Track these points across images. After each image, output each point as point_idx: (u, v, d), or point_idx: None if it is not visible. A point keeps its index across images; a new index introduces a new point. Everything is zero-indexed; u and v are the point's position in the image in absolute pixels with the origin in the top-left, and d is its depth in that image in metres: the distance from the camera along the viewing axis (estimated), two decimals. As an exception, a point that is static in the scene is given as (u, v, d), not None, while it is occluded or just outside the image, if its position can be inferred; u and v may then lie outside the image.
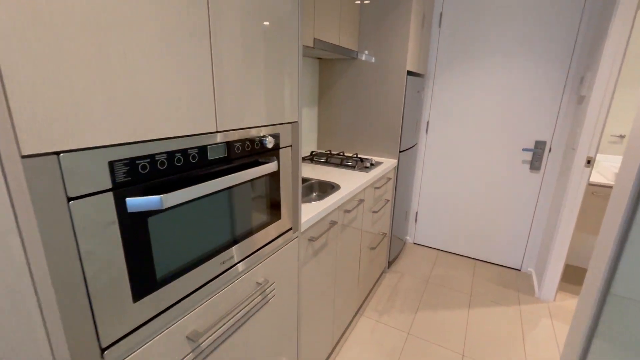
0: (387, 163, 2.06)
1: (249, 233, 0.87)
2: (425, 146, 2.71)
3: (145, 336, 0.62)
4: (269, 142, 0.85)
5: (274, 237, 0.97)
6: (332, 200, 1.33)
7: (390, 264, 2.52)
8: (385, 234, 2.22)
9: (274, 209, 0.95)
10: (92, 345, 0.54)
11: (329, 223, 1.34)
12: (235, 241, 0.82)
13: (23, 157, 0.42)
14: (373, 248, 1.99)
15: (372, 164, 1.99)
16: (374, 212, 1.91)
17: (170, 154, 0.61)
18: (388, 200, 2.13)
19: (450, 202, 2.71)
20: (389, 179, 2.09)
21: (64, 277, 0.48)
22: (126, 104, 0.53)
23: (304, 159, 2.05)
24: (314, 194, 1.66)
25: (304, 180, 1.67)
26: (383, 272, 2.44)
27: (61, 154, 0.46)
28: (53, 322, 0.48)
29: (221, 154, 0.73)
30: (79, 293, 0.51)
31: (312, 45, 1.62)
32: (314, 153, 2.21)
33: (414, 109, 2.34)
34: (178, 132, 0.62)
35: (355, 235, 1.69)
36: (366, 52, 2.11)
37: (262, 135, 0.85)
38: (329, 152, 2.26)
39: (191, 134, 0.65)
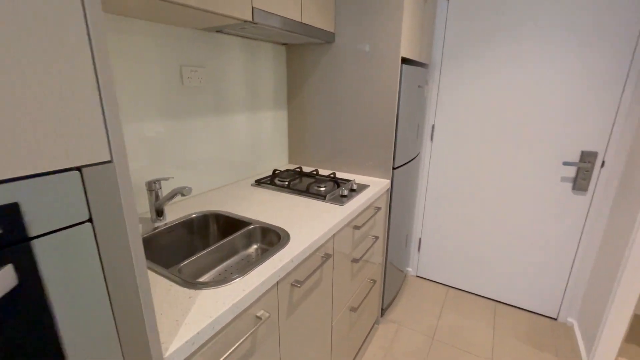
0: (376, 186, 1.48)
1: None
2: (429, 157, 2.11)
3: None
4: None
5: None
6: (264, 274, 0.77)
7: (384, 310, 1.95)
8: (375, 280, 1.64)
9: (35, 354, 0.39)
10: None
11: (254, 318, 0.78)
12: None
13: None
14: (355, 309, 1.42)
15: (352, 190, 1.41)
16: (354, 261, 1.34)
17: None
18: (377, 238, 1.55)
19: (462, 228, 2.11)
20: (378, 209, 1.51)
21: None
22: None
23: (260, 182, 1.49)
24: (248, 251, 1.09)
25: (238, 224, 1.11)
26: (375, 323, 1.87)
27: None
28: None
29: None
30: None
31: (250, 19, 1.05)
32: (276, 172, 1.64)
33: (414, 110, 1.75)
34: None
35: (320, 306, 1.13)
36: (346, 33, 1.53)
37: None
38: (298, 170, 1.70)
39: None
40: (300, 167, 1.72)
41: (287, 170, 1.68)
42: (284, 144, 1.86)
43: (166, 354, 0.56)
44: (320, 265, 1.04)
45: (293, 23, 1.25)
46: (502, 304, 2.10)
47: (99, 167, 0.41)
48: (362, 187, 1.47)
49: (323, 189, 1.42)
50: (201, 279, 0.92)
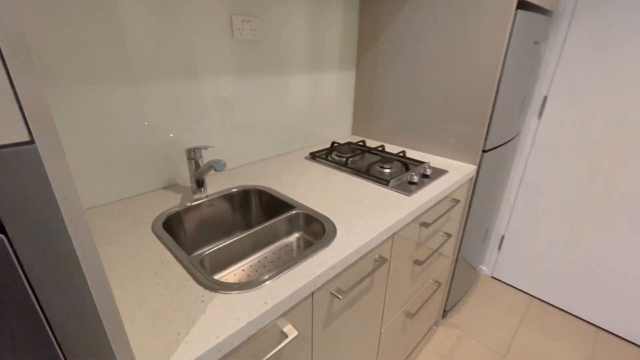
0: (457, 172, 1.18)
1: None
2: (533, 138, 1.65)
3: None
4: None
5: None
6: (295, 283, 0.61)
7: (446, 312, 1.70)
8: (440, 283, 1.39)
9: None
10: None
11: (278, 334, 0.64)
12: None
13: None
14: (412, 314, 1.21)
15: (424, 175, 1.14)
16: (417, 263, 1.11)
17: None
18: (450, 236, 1.27)
19: (562, 232, 1.66)
20: (455, 201, 1.21)
21: None
22: None
23: (315, 155, 1.31)
24: (289, 239, 0.93)
25: (281, 205, 0.96)
26: (434, 324, 1.64)
27: None
28: None
29: None
30: None
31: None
32: (335, 145, 1.43)
33: (524, 75, 1.32)
34: None
35: (367, 314, 0.94)
36: (440, -33, 1.15)
37: None
38: (361, 144, 1.46)
39: None
40: (363, 141, 1.47)
41: (349, 144, 1.46)
42: (348, 112, 1.62)
43: (153, 384, 0.44)
44: (372, 272, 0.84)
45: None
46: (604, 332, 1.65)
47: (20, 147, 0.26)
48: (438, 172, 1.18)
49: (388, 170, 1.17)
50: (226, 272, 0.80)
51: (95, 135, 0.85)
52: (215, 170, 0.83)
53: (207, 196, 0.99)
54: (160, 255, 0.70)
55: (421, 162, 1.24)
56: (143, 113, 0.93)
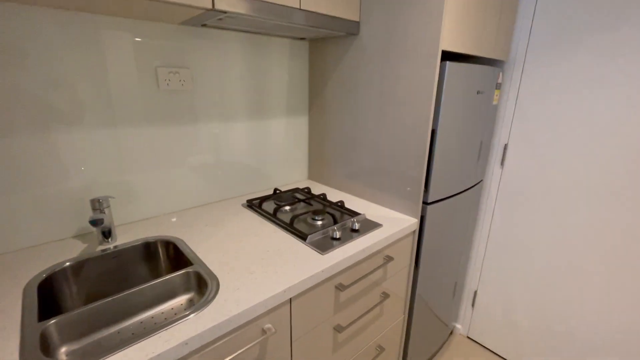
0: (393, 226, 1.10)
1: None
2: (497, 187, 1.56)
3: None
4: None
5: None
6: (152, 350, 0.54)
7: (407, 378, 1.52)
8: (383, 348, 1.25)
9: None
10: None
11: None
12: None
13: None
14: (339, 384, 1.08)
15: (353, 230, 1.07)
16: (338, 329, 1.00)
17: None
18: (387, 296, 1.16)
19: (541, 288, 1.50)
20: (389, 259, 1.12)
21: None
22: None
23: (251, 203, 1.27)
24: (176, 301, 0.86)
25: (182, 260, 0.90)
26: (390, 392, 1.47)
27: None
28: None
29: None
30: None
31: (210, 6, 0.82)
32: (277, 192, 1.39)
33: (472, 123, 1.26)
34: None
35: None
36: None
37: None
38: (306, 191, 1.41)
39: None
40: (308, 188, 1.43)
41: (291, 191, 1.42)
42: (303, 157, 1.59)
43: None
44: (255, 345, 0.75)
45: (282, 10, 0.97)
46: (593, 413, 1.42)
47: None
48: (371, 226, 1.10)
49: (319, 222, 1.11)
50: (75, 344, 0.73)
51: (6, 181, 0.85)
52: (94, 226, 0.80)
53: (115, 247, 0.95)
54: (7, 323, 0.65)
55: (356, 214, 1.18)
56: (62, 161, 0.93)
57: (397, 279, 1.21)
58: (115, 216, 1.07)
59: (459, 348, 1.74)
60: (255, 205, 1.25)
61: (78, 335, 0.71)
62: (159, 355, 0.59)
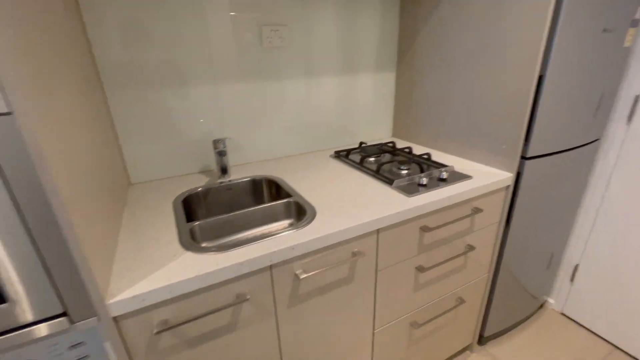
0: (483, 179, 1.07)
1: None
2: (619, 147, 1.34)
3: None
4: None
5: (-12, 334, 0.52)
6: (248, 255, 0.70)
7: (485, 337, 1.51)
8: (464, 301, 1.26)
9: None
10: None
11: (234, 295, 0.73)
12: None
13: None
14: (418, 324, 1.14)
15: (440, 179, 1.07)
16: (421, 269, 1.05)
17: None
18: (472, 248, 1.15)
19: (663, 271, 1.29)
20: (477, 210, 1.09)
21: None
22: None
23: (339, 154, 1.36)
24: (279, 223, 1.01)
25: (282, 193, 1.05)
26: (468, 349, 1.48)
27: None
28: None
29: None
30: None
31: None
32: (362, 145, 1.45)
33: (591, 69, 1.10)
34: None
35: (350, 308, 0.95)
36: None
37: None
38: (390, 144, 1.44)
39: None
40: (393, 142, 1.45)
41: (376, 145, 1.46)
42: (387, 114, 1.61)
43: (110, 301, 0.60)
44: (344, 263, 0.86)
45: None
46: None
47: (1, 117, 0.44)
48: (459, 177, 1.09)
49: (404, 172, 1.14)
50: (219, 241, 0.93)
51: (152, 127, 1.11)
52: (220, 155, 0.98)
53: (229, 180, 1.16)
54: (167, 222, 0.88)
55: (443, 166, 1.17)
56: (191, 111, 1.15)
57: (485, 234, 1.18)
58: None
59: (550, 323, 1.62)
60: (342, 155, 1.34)
61: (211, 238, 0.92)
62: (273, 252, 0.73)
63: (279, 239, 0.77)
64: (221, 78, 1.16)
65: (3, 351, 0.56)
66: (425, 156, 1.26)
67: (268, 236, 0.78)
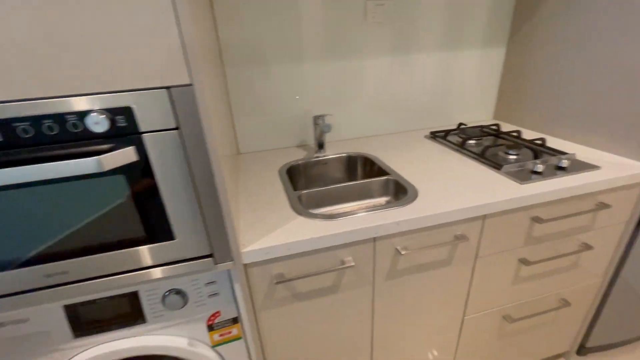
0: (614, 170, 0.93)
1: (92, 249, 0.61)
2: None
3: None
4: (97, 123, 0.50)
5: (160, 263, 0.65)
6: (355, 225, 0.75)
7: (587, 348, 1.35)
8: (569, 303, 1.13)
9: (149, 223, 0.61)
10: None
11: (339, 261, 0.79)
12: (64, 255, 0.60)
13: None
14: (512, 319, 1.08)
15: (558, 167, 0.97)
16: (524, 262, 0.98)
17: None
18: (589, 248, 1.02)
19: None
20: (602, 206, 0.96)
21: None
22: None
23: (435, 135, 1.31)
24: (377, 200, 1.02)
25: (379, 171, 1.06)
26: (563, 357, 1.35)
27: None
28: None
29: (-11, 137, 0.49)
30: None
31: None
32: (462, 127, 1.36)
33: None
34: None
35: (443, 290, 0.94)
36: None
37: (77, 110, 0.50)
38: (494, 127, 1.32)
39: None
40: (497, 125, 1.33)
41: (478, 127, 1.35)
42: (491, 94, 1.47)
43: (243, 250, 0.70)
44: (445, 245, 0.85)
45: None
46: None
47: (183, 88, 0.53)
48: (582, 166, 0.96)
49: (513, 157, 1.05)
50: (320, 210, 1.00)
51: (259, 102, 1.21)
52: (324, 131, 1.03)
53: (324, 156, 1.21)
54: (276, 188, 0.97)
55: (562, 153, 1.04)
56: (292, 88, 1.22)
57: (608, 233, 1.03)
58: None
59: (676, 347, 1.37)
60: (439, 136, 1.28)
61: (313, 206, 0.99)
62: (379, 225, 0.76)
63: (384, 213, 0.79)
64: (322, 56, 1.20)
65: (166, 278, 0.70)
66: (538, 141, 1.13)
67: (371, 210, 0.81)
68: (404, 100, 1.37)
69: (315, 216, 0.80)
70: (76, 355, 0.77)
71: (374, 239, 0.79)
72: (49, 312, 0.71)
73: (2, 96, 0.47)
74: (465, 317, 1.03)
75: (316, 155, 1.21)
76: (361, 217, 0.78)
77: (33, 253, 0.58)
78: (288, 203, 0.87)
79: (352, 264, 0.78)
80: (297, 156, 1.22)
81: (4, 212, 0.54)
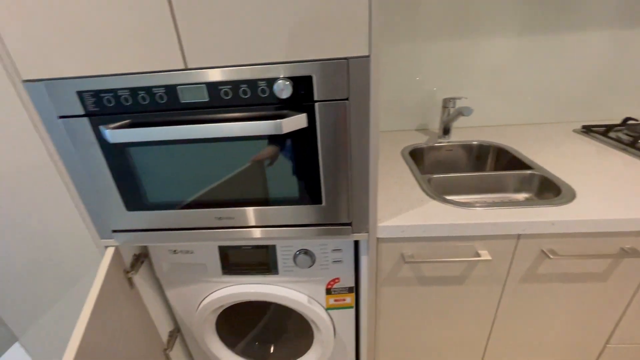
0: None
1: (253, 202, 0.69)
2: None
3: (140, 238, 0.76)
4: (282, 90, 0.56)
5: (305, 223, 0.71)
6: (500, 218, 0.69)
7: None
8: None
9: (304, 186, 0.67)
10: (106, 227, 0.75)
11: (474, 251, 0.74)
12: (232, 203, 0.70)
13: (24, 81, 0.60)
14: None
15: None
16: None
17: (133, 91, 0.59)
18: None
19: None
20: None
21: (79, 174, 0.68)
22: (82, 39, 0.55)
23: (590, 129, 1.10)
24: (514, 195, 0.91)
25: (517, 164, 0.95)
26: None
27: (43, 82, 0.59)
28: (80, 207, 0.72)
29: (200, 97, 0.59)
30: (91, 188, 0.70)
31: None
32: (629, 122, 1.11)
33: None
34: (133, 68, 0.57)
35: (590, 304, 0.81)
36: None
37: (267, 77, 0.56)
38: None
39: (144, 71, 0.57)
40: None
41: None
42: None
43: (380, 224, 0.71)
44: (606, 257, 0.72)
45: None
46: None
47: (360, 60, 0.54)
48: None
49: None
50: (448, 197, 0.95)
51: (380, 82, 1.19)
52: (463, 114, 0.96)
53: (448, 142, 1.14)
54: (402, 170, 0.96)
55: None
56: (414, 68, 1.17)
57: None
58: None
59: None
60: (597, 132, 1.08)
61: (441, 192, 0.95)
62: (529, 222, 0.68)
63: (534, 211, 0.71)
64: (447, 33, 1.10)
65: (304, 237, 0.77)
66: None
67: (510, 205, 0.73)
68: (548, 87, 1.18)
69: (451, 202, 0.76)
70: (220, 289, 0.91)
71: (519, 236, 0.72)
72: (208, 250, 0.85)
73: (214, 62, 0.56)
74: (609, 345, 0.88)
75: (439, 141, 1.15)
76: (506, 211, 0.72)
77: (211, 198, 0.70)
78: (417, 185, 0.86)
79: (489, 257, 0.72)
80: (418, 139, 1.17)
81: (197, 161, 0.66)
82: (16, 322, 0.94)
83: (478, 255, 0.74)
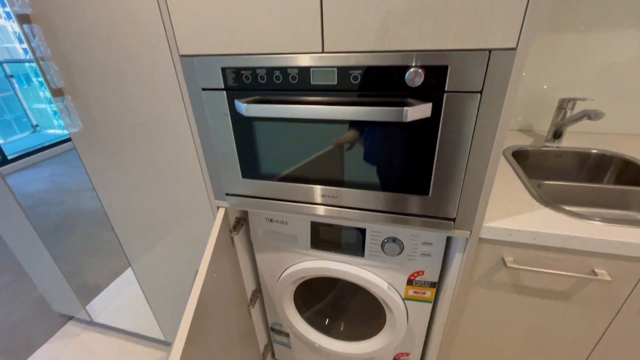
0: None
1: (358, 184, 0.72)
2: None
3: (247, 203, 0.84)
4: (414, 78, 0.56)
5: (405, 212, 0.72)
6: (619, 237, 0.63)
7: None
8: None
9: (413, 175, 0.67)
10: (221, 190, 0.85)
11: (589, 270, 0.68)
12: (338, 182, 0.73)
13: (181, 56, 0.69)
14: None
15: None
16: None
17: (270, 70, 0.64)
18: None
19: None
20: None
21: (207, 141, 0.78)
22: (236, 21, 0.62)
23: None
24: None
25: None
26: None
27: (195, 57, 0.68)
28: (204, 170, 0.82)
29: (329, 80, 0.62)
30: (213, 154, 0.79)
31: None
32: None
33: None
34: (275, 49, 0.62)
35: None
36: None
37: (400, 65, 0.57)
38: None
39: (285, 52, 0.62)
40: None
41: None
42: None
43: (486, 224, 0.69)
44: None
45: None
46: None
47: (504, 52, 0.52)
48: None
49: None
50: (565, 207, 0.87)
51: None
52: (589, 118, 0.86)
53: (557, 147, 1.04)
54: (504, 171, 0.90)
55: None
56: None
57: None
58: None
59: None
60: None
61: (552, 200, 0.88)
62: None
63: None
64: (570, 26, 0.97)
65: (402, 226, 0.77)
66: None
67: (631, 224, 0.65)
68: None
69: (568, 213, 0.70)
70: (306, 261, 0.98)
71: (649, 261, 0.64)
72: (301, 223, 0.91)
73: (352, 47, 0.58)
74: None
75: (547, 144, 1.05)
76: (637, 230, 0.64)
77: (319, 175, 0.74)
78: (525, 189, 0.80)
79: (608, 278, 0.66)
80: (521, 141, 1.09)
81: (311, 140, 0.70)
82: (131, 250, 1.13)
83: (594, 274, 0.67)
